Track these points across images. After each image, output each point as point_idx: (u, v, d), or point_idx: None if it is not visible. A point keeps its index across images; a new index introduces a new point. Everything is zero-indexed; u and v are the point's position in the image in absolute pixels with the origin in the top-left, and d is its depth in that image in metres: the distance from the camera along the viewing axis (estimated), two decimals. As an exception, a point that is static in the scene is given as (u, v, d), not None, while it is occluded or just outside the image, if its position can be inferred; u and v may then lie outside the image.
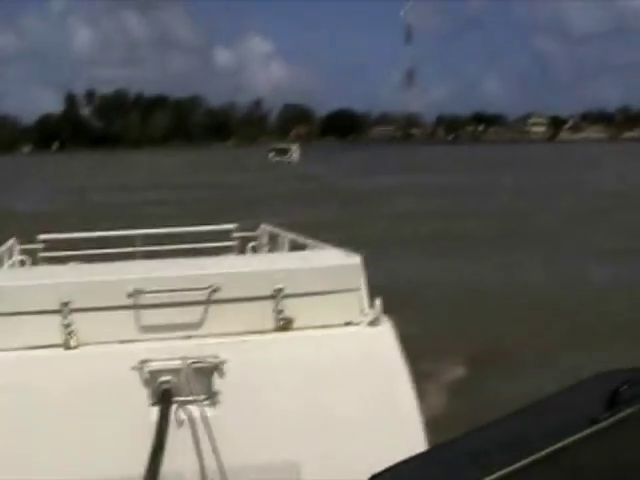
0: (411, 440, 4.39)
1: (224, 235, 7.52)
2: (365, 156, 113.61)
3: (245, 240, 7.45)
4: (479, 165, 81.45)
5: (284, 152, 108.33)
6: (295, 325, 4.70)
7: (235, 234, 7.51)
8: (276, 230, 6.86)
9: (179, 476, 4.43)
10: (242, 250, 7.36)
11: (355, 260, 4.94)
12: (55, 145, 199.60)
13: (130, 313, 4.56)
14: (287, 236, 6.40)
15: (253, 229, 7.65)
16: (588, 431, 2.16)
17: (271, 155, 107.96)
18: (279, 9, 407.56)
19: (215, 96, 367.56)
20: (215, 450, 4.37)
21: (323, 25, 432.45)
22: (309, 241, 5.95)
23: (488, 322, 16.25)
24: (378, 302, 4.81)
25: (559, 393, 2.59)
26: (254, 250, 7.28)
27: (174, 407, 4.42)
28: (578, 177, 61.11)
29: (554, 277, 21.71)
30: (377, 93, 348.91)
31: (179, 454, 4.38)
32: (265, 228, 7.26)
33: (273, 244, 6.79)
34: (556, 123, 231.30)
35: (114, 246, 7.07)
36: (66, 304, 4.46)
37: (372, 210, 38.28)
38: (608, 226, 31.81)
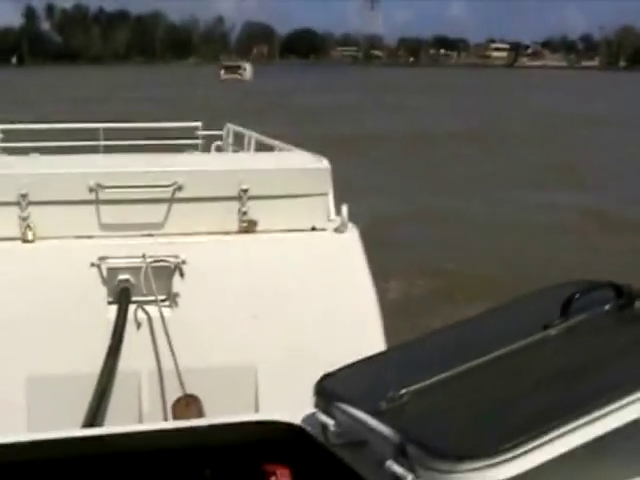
0: (371, 342, 4.36)
1: (189, 132, 7.32)
2: (321, 76, 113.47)
3: (210, 138, 7.27)
4: (430, 88, 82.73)
5: (235, 70, 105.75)
6: (259, 228, 4.61)
7: (200, 132, 7.27)
8: (242, 130, 6.64)
9: (135, 375, 4.35)
10: (207, 149, 7.15)
11: (324, 164, 4.83)
12: (14, 59, 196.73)
13: (90, 208, 4.42)
14: (253, 136, 6.22)
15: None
16: (540, 336, 2.29)
17: (222, 72, 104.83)
18: None
19: (177, 12, 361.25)
20: (172, 351, 4.28)
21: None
22: (276, 142, 5.80)
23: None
24: (345, 209, 4.73)
25: (517, 300, 2.74)
26: (219, 149, 7.08)
27: (132, 306, 4.34)
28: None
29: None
30: (340, 14, 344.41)
31: (136, 353, 4.33)
32: (230, 127, 7.00)
33: (239, 144, 6.59)
34: (517, 49, 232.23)
35: (77, 139, 6.85)
36: (24, 196, 4.32)
37: (317, 127, 38.19)
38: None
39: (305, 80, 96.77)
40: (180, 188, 4.47)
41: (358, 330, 4.55)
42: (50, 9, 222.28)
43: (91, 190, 4.37)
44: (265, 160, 5.29)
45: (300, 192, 4.64)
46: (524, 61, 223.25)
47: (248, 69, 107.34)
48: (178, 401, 4.25)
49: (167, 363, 4.32)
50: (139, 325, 4.36)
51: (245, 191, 4.53)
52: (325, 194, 4.76)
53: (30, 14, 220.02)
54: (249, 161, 5.43)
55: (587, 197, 21.41)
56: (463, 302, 10.98)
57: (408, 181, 23.74)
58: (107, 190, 4.39)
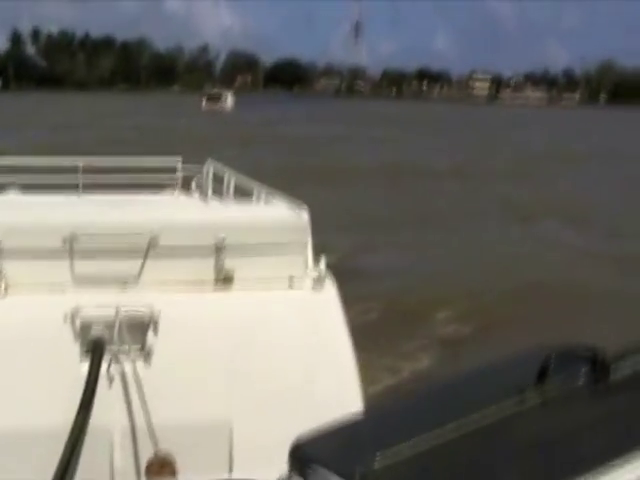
0: (348, 401, 4.32)
1: (168, 168, 7.15)
2: (305, 106, 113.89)
3: (190, 174, 7.15)
4: (413, 122, 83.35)
5: (216, 99, 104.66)
6: (237, 278, 4.53)
7: (179, 169, 7.09)
8: (222, 168, 6.52)
9: (107, 432, 4.25)
10: (186, 185, 7.04)
11: (302, 215, 4.74)
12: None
13: (64, 258, 4.33)
14: (232, 177, 6.04)
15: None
16: (515, 402, 2.31)
17: (204, 103, 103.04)
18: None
19: (163, 40, 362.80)
20: (145, 407, 4.18)
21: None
22: (255, 184, 5.66)
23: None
24: (323, 261, 4.68)
25: (493, 363, 2.73)
26: (198, 187, 6.90)
27: (106, 360, 4.27)
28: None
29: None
30: (324, 44, 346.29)
31: (108, 409, 4.24)
32: (211, 164, 6.84)
33: (218, 184, 6.42)
34: (499, 82, 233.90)
35: (55, 173, 6.68)
36: None
37: (298, 158, 37.93)
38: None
39: (288, 111, 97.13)
40: (155, 239, 4.37)
41: (335, 389, 4.48)
42: (36, 34, 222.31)
43: (65, 241, 4.27)
44: (243, 210, 5.20)
45: (278, 243, 4.56)
46: (507, 93, 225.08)
47: (229, 99, 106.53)
48: (152, 463, 4.15)
49: (140, 419, 4.21)
50: (112, 380, 4.27)
51: (222, 242, 4.44)
52: (303, 245, 4.69)
53: (16, 38, 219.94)
54: (226, 211, 5.30)
55: (565, 231, 21.74)
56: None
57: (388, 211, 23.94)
58: (81, 241, 4.29)
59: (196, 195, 6.83)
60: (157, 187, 6.74)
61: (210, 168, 6.83)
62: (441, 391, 2.61)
